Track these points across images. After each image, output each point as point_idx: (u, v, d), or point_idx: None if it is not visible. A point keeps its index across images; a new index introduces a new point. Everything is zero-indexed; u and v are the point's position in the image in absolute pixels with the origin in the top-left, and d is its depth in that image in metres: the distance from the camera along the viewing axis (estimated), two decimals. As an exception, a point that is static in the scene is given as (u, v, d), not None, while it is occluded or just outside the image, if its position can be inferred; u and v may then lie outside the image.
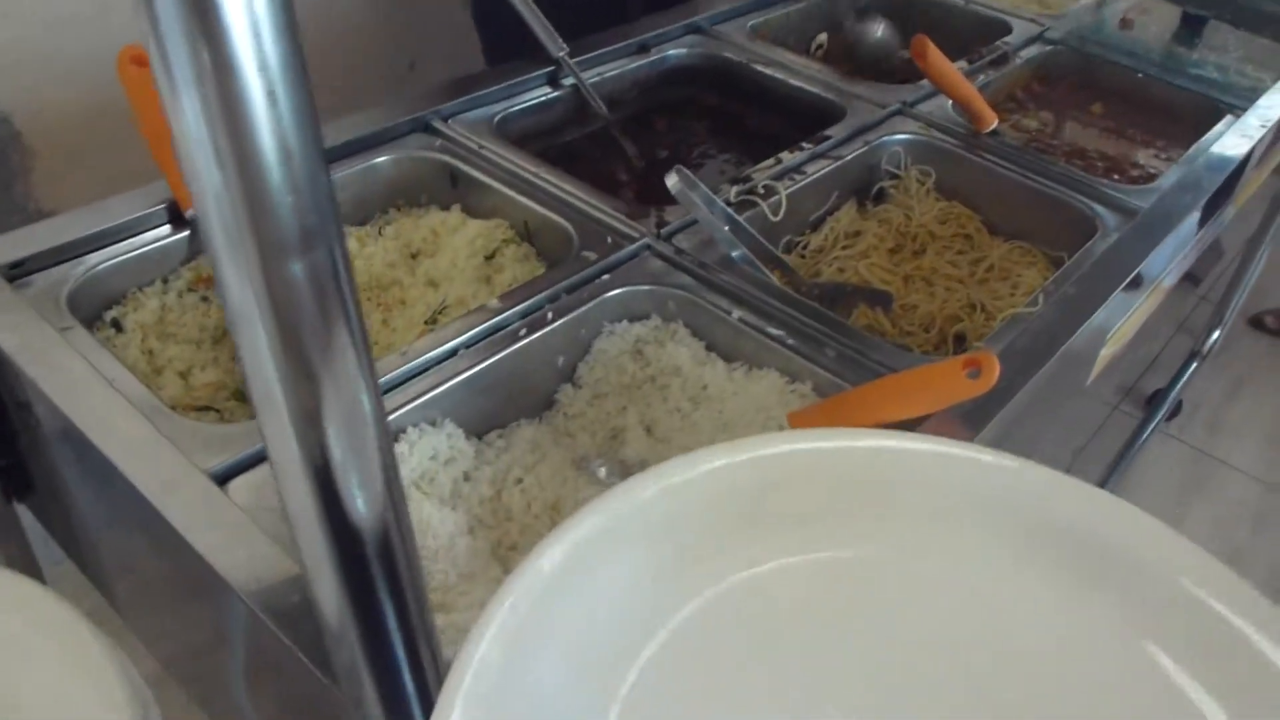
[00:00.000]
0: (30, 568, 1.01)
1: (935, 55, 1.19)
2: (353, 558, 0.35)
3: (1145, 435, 2.18)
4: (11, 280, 0.85)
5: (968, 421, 0.78)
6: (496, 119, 1.15)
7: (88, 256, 0.90)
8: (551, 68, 1.24)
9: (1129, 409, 2.27)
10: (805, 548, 0.51)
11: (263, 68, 0.29)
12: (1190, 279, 2.51)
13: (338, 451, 0.33)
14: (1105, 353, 1.09)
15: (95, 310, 0.90)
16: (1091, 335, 0.96)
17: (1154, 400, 2.27)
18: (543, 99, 1.22)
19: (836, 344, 0.87)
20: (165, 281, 0.93)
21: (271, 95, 0.29)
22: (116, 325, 0.89)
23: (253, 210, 0.30)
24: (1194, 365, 2.33)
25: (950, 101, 1.28)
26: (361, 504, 0.34)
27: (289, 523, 0.35)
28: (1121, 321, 1.08)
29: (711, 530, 0.50)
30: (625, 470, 0.84)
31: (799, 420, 0.80)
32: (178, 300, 0.91)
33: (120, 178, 0.96)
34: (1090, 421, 2.21)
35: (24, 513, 0.95)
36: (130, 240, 0.92)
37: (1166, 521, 0.52)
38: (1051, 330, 0.91)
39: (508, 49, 1.32)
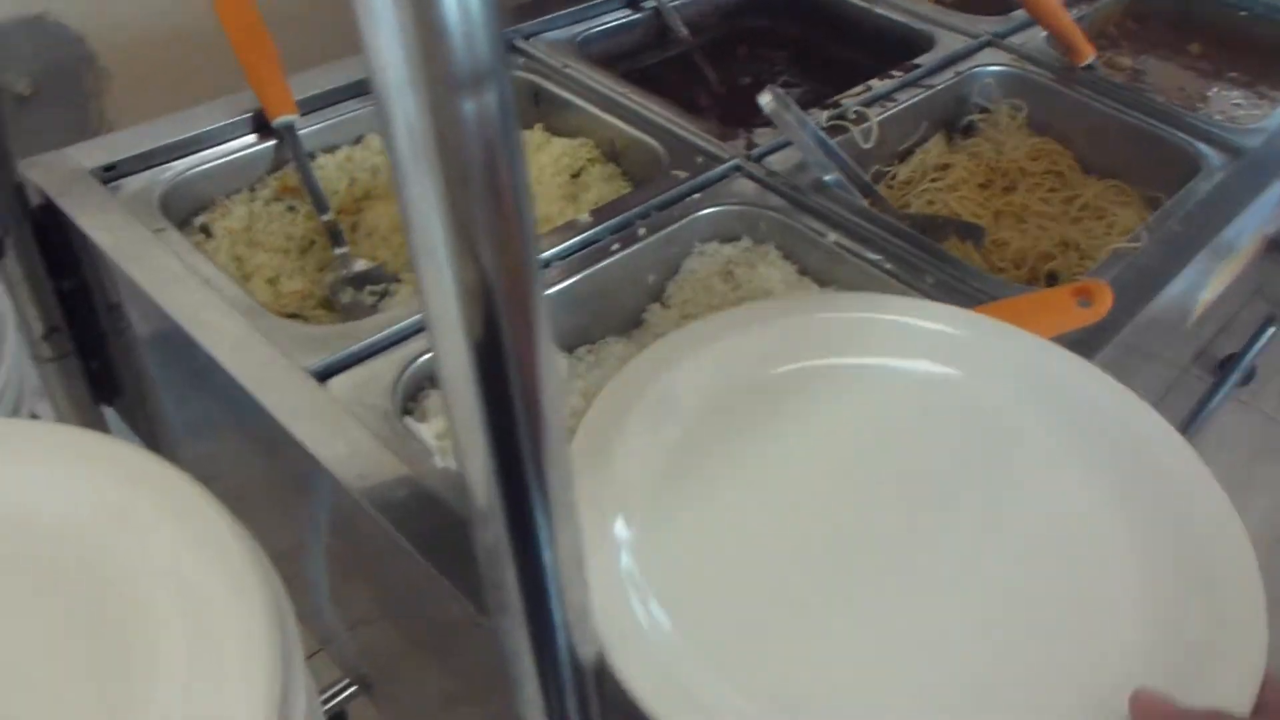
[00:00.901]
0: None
1: (1035, -18, 1.15)
2: (507, 431, 0.34)
3: (1216, 400, 2.13)
4: (104, 183, 0.85)
5: (1077, 349, 0.75)
6: (579, 39, 1.13)
7: (176, 162, 0.89)
8: (634, -10, 1.21)
9: (1200, 373, 2.21)
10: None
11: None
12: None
13: (500, 317, 0.32)
14: (1204, 297, 1.06)
15: (185, 215, 0.89)
16: (1195, 276, 0.93)
17: (1226, 365, 2.21)
18: (623, 21, 1.20)
19: (935, 270, 0.84)
20: (252, 190, 0.92)
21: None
22: (206, 231, 0.88)
23: (427, 39, 0.28)
24: (1270, 331, 2.26)
25: (1044, 33, 1.24)
26: (517, 375, 0.33)
27: (444, 390, 0.34)
28: (1222, 265, 1.04)
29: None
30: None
31: None
32: (264, 209, 0.91)
33: (192, 102, 0.95)
34: (1160, 382, 2.16)
35: (110, 416, 0.96)
36: (217, 148, 0.92)
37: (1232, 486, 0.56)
38: (1156, 266, 0.88)
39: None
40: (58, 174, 0.84)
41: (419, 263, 0.33)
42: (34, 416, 0.70)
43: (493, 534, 0.36)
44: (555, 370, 0.35)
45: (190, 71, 1.27)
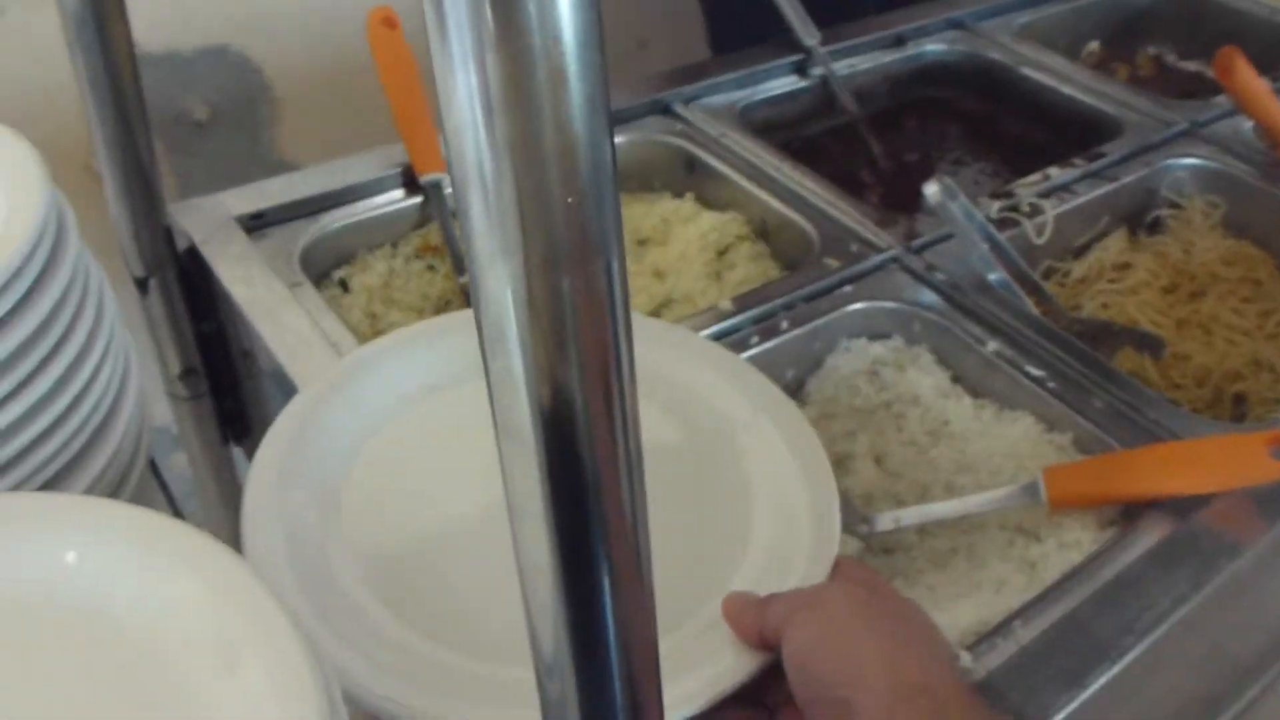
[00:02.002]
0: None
1: (1245, 70, 1.05)
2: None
3: None
4: (250, 231, 0.85)
5: (1263, 507, 0.67)
6: (740, 107, 1.09)
7: (322, 215, 0.89)
8: (798, 56, 1.17)
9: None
10: None
11: (555, 39, 0.23)
12: None
13: (592, 543, 0.28)
14: None
15: (325, 268, 0.89)
16: None
17: None
18: (788, 89, 1.15)
19: (1105, 394, 0.77)
20: (394, 246, 0.91)
21: (560, 75, 0.23)
22: (343, 285, 0.88)
23: (524, 210, 0.24)
24: None
25: (1250, 123, 1.13)
26: (612, 599, 0.30)
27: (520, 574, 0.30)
28: None
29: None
30: (845, 505, 0.77)
31: (1058, 478, 0.70)
32: (404, 266, 0.90)
33: (360, 138, 0.95)
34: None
35: (238, 456, 0.96)
36: (364, 202, 0.91)
37: None
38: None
39: (736, 37, 1.26)
40: (205, 218, 0.85)
41: (501, 439, 0.29)
42: (152, 461, 0.69)
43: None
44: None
45: (361, 108, 1.29)
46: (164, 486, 0.70)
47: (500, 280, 0.25)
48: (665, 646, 0.47)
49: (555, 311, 0.25)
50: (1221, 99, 1.17)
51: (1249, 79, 1.07)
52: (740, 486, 0.65)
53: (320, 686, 0.38)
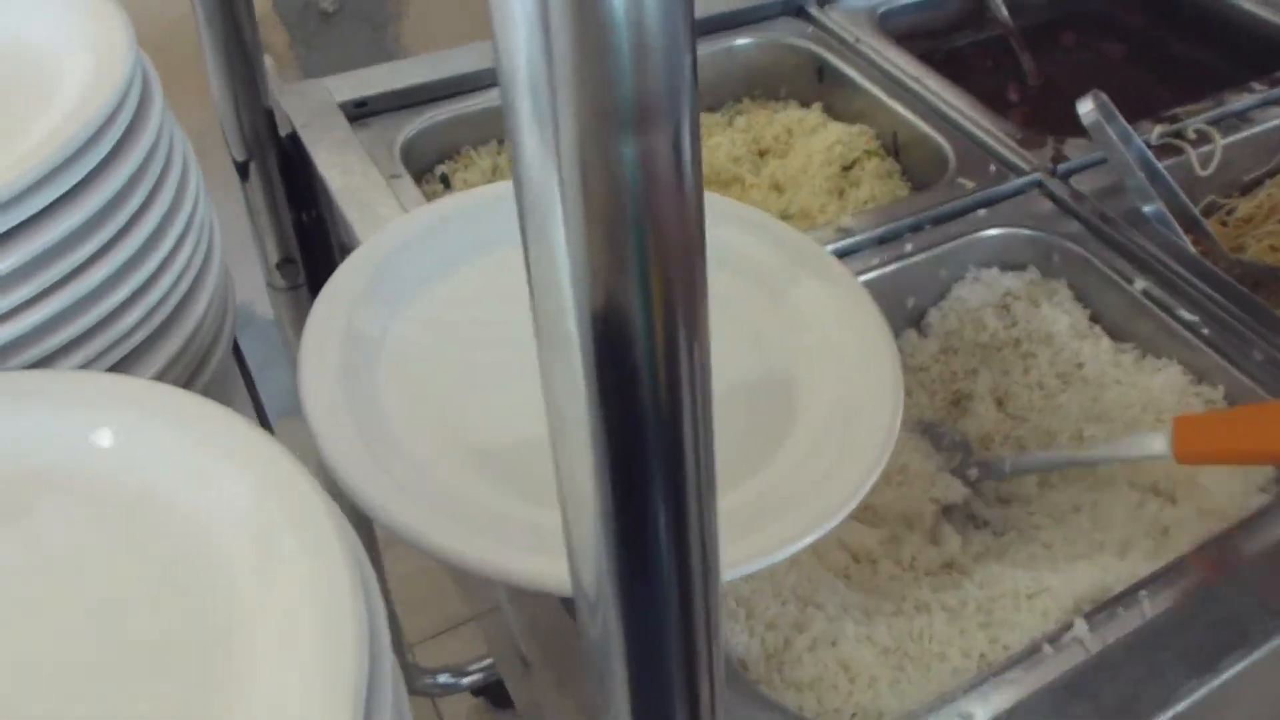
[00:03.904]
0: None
1: None
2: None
3: None
4: (353, 119, 0.82)
5: None
6: (881, 11, 1.01)
7: (428, 106, 0.85)
8: (952, -42, 1.07)
9: None
10: None
11: None
12: None
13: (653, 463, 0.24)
14: None
15: (428, 162, 0.86)
16: None
17: None
18: (937, -7, 1.06)
19: (1266, 345, 0.68)
20: (500, 143, 0.87)
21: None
22: (445, 181, 0.84)
23: (576, 54, 0.19)
24: None
25: None
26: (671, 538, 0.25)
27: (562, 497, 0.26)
28: None
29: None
30: (962, 446, 0.71)
31: (1191, 429, 0.63)
32: (509, 165, 0.85)
33: (487, 32, 0.91)
34: None
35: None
36: (472, 95, 0.87)
37: None
38: None
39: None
40: (309, 104, 0.82)
41: (542, 344, 0.24)
42: (237, 348, 0.67)
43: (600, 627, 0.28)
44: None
45: (484, 4, 1.24)
46: (246, 373, 0.69)
47: (544, 145, 0.20)
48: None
49: (613, 186, 0.21)
50: None
51: None
52: (791, 344, 0.59)
53: (359, 596, 0.35)
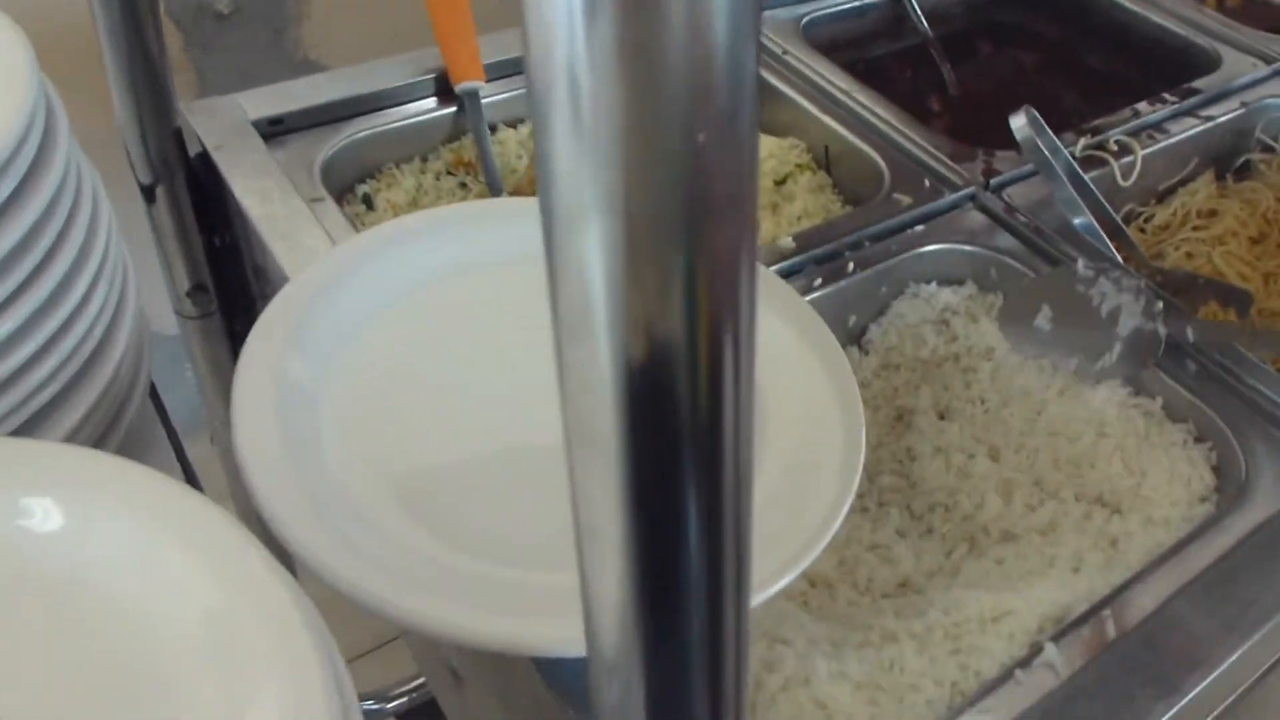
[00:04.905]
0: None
1: (1364, 4, 0.95)
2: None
3: None
4: (268, 137, 0.78)
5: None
6: (805, 21, 1.00)
7: (347, 123, 0.82)
8: (872, -32, 1.07)
9: None
10: None
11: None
12: None
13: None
14: None
15: (348, 181, 0.82)
16: None
17: None
18: (857, 3, 1.06)
19: (1201, 355, 0.69)
20: (424, 160, 0.84)
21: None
22: (367, 201, 0.81)
23: (631, 147, 0.17)
24: None
25: (1359, 64, 1.04)
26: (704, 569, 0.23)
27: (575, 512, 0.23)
28: None
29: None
30: (903, 469, 0.70)
31: None
32: (434, 182, 0.82)
33: (394, 40, 0.88)
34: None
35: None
36: (393, 110, 0.84)
37: None
38: None
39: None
40: (220, 121, 0.78)
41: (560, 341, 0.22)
42: (152, 387, 0.63)
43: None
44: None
45: (395, 6, 1.20)
46: (164, 417, 0.65)
47: (589, 246, 0.18)
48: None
49: (664, 288, 0.18)
50: (1326, 33, 1.07)
51: (1367, 12, 0.98)
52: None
53: (333, 689, 0.32)
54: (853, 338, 0.76)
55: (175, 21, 1.29)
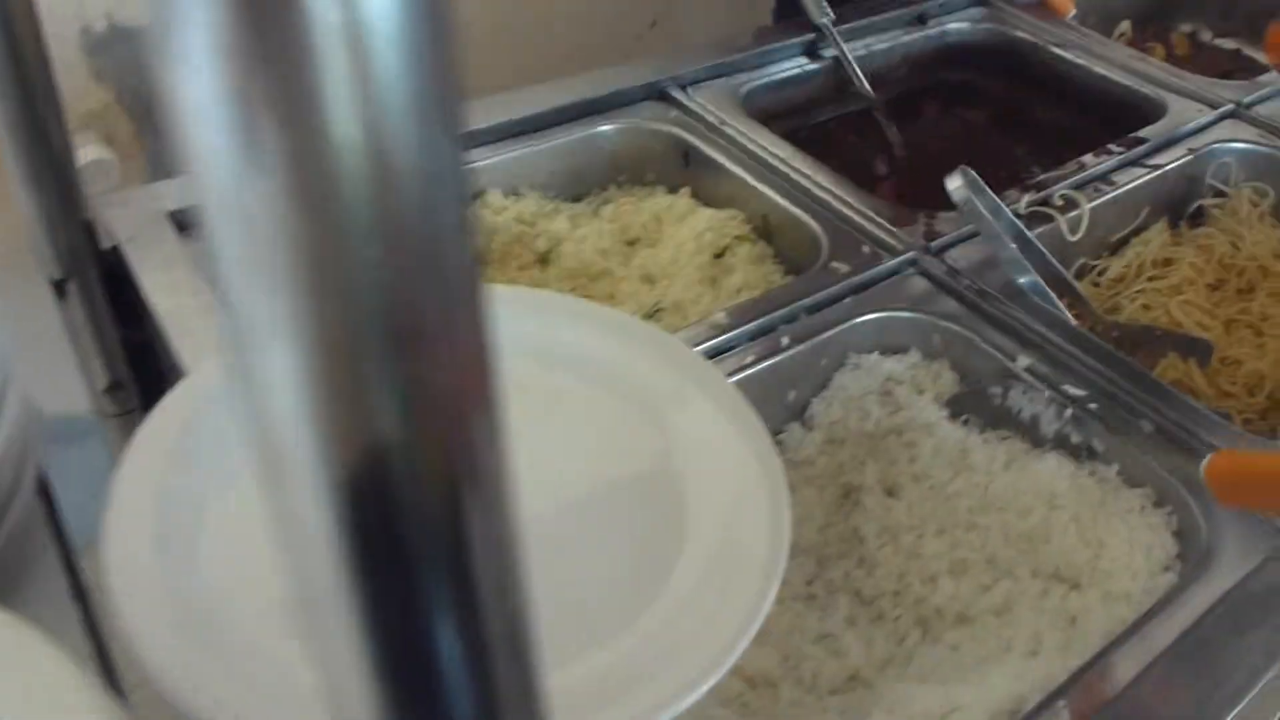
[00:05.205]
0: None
1: (1302, 48, 0.95)
2: None
3: None
4: (183, 229, 0.76)
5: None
6: (744, 92, 0.99)
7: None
8: (811, 36, 1.06)
9: None
10: None
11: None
12: None
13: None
14: None
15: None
16: None
17: None
18: (797, 71, 1.05)
19: (1154, 413, 0.66)
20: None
21: (356, 35, 0.14)
22: (290, 292, 0.78)
23: (301, 262, 0.14)
24: None
25: (1305, 107, 1.02)
26: None
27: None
28: None
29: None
30: (851, 551, 0.67)
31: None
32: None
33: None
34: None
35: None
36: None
37: None
38: None
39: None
40: (134, 214, 0.75)
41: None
42: (42, 480, 0.60)
43: None
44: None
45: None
46: (55, 519, 0.61)
47: (274, 380, 0.15)
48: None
49: (369, 416, 0.15)
50: (1270, 76, 1.06)
51: (1306, 56, 0.97)
52: (674, 476, 0.53)
53: None
54: (795, 413, 0.72)
55: (126, 110, 1.27)
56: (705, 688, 0.42)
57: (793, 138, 0.93)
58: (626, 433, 0.55)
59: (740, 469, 0.52)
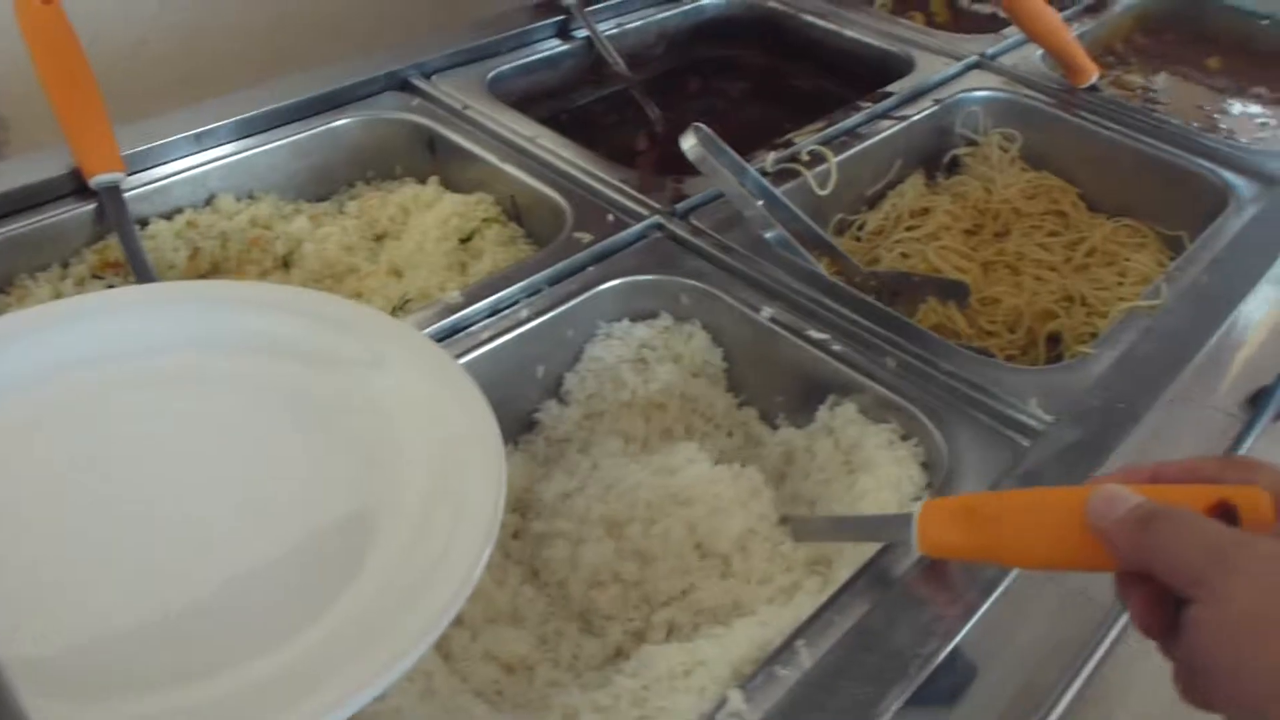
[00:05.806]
0: None
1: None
2: None
3: (1251, 438, 1.92)
4: None
5: (1086, 454, 0.58)
6: (490, 76, 0.96)
7: (-29, 233, 0.73)
8: (561, 17, 1.05)
9: (1231, 410, 2.01)
10: None
11: None
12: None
13: None
14: (1243, 355, 0.87)
15: (-25, 300, 0.73)
16: (1233, 334, 0.75)
17: (1258, 399, 2.00)
18: (548, 54, 1.03)
19: (899, 351, 0.67)
20: (65, 266, 0.76)
21: None
22: None
23: None
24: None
25: (1040, 52, 1.06)
26: None
27: None
28: (1263, 315, 0.86)
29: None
30: (613, 525, 0.65)
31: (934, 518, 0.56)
32: (75, 290, 0.74)
33: (16, 137, 0.79)
34: (1191, 426, 1.96)
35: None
36: (23, 215, 0.75)
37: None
38: (1181, 330, 0.71)
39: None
40: None
41: None
42: None
43: None
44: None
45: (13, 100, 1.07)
46: None
47: None
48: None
49: None
50: (1011, 29, 1.10)
51: (1034, 5, 1.00)
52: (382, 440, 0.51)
53: None
54: (549, 389, 0.70)
55: None
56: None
57: (552, 122, 0.91)
58: (317, 408, 0.52)
59: (449, 423, 0.50)
